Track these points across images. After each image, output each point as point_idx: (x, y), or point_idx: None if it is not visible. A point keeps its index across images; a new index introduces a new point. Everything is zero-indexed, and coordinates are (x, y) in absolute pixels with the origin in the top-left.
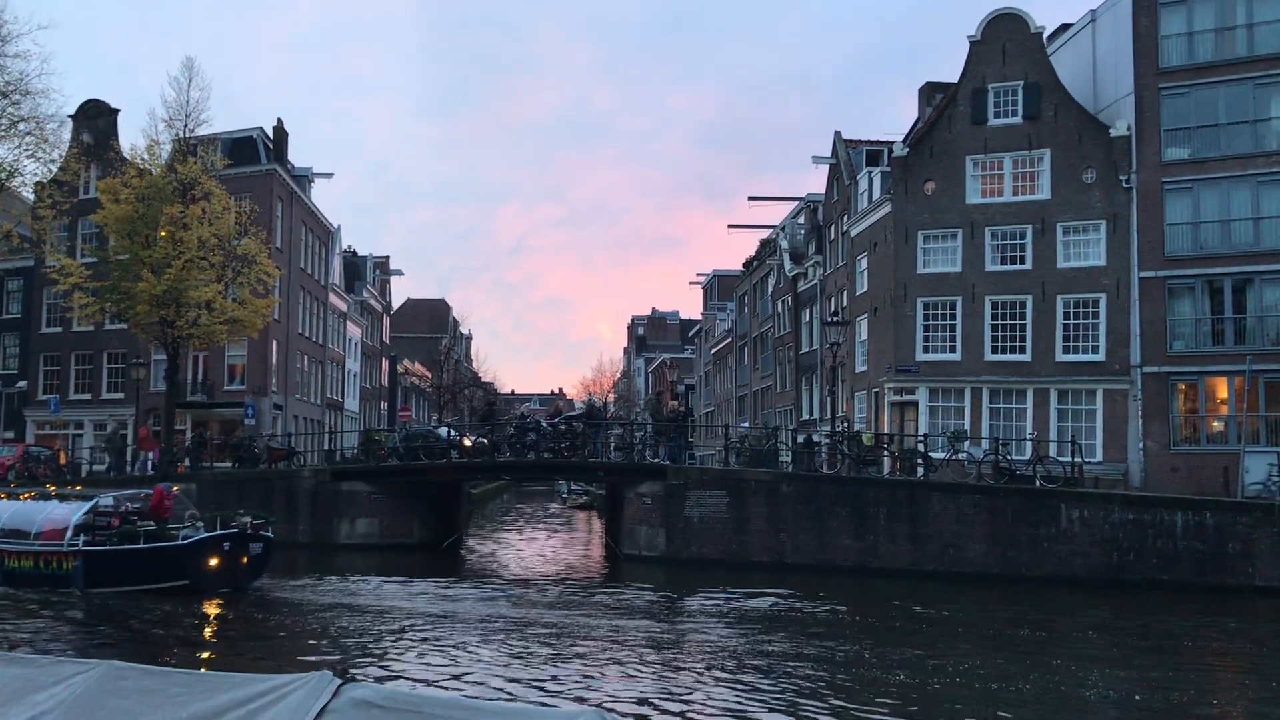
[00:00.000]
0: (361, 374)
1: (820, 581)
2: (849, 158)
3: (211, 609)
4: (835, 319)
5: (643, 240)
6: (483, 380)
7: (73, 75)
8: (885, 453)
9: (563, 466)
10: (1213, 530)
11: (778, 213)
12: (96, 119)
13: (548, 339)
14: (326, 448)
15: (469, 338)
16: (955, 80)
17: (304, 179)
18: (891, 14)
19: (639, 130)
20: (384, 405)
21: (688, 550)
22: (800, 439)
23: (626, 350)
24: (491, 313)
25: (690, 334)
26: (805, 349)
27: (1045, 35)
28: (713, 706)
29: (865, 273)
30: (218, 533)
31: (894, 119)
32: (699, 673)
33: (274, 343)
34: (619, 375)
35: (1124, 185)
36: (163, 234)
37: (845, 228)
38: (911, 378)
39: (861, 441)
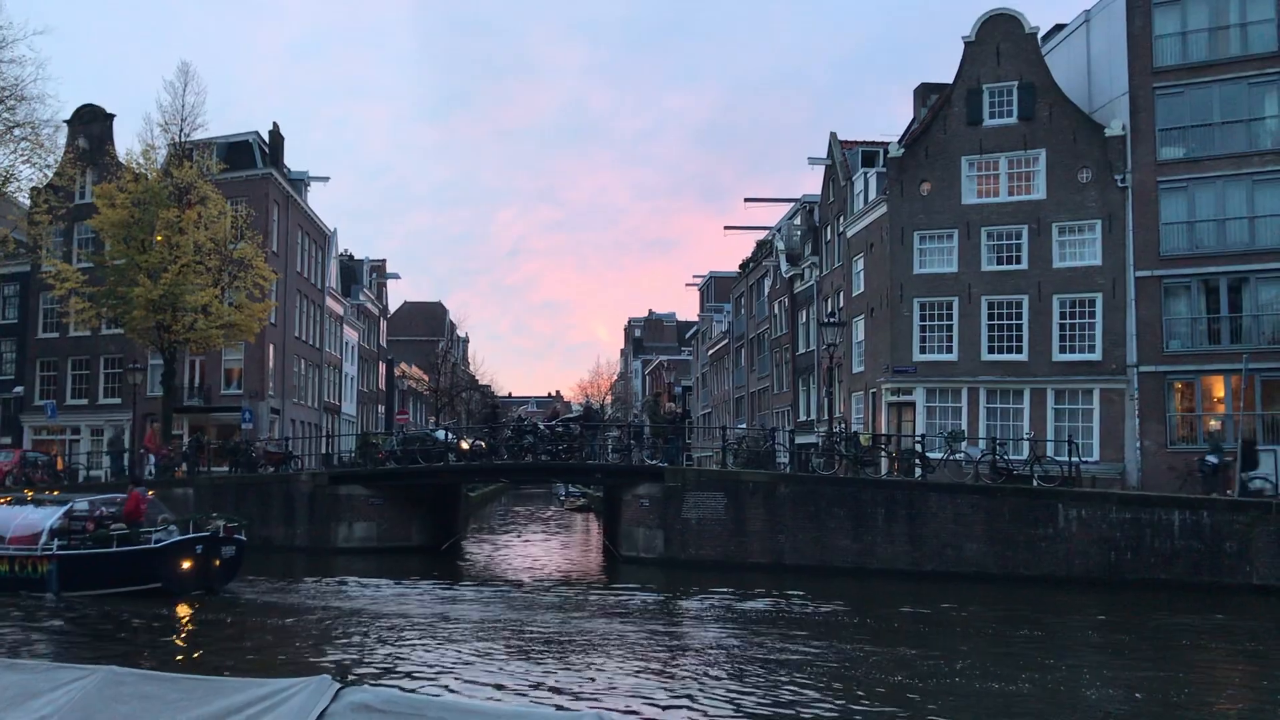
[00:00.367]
0: (359, 377)
1: (818, 582)
2: (845, 159)
3: (186, 611)
4: (832, 320)
5: (639, 242)
6: (480, 383)
7: (68, 80)
8: (883, 453)
9: (560, 469)
10: (1210, 529)
11: (774, 214)
12: (92, 124)
13: (545, 341)
14: (324, 451)
15: (466, 341)
16: (950, 81)
17: (300, 183)
18: (886, 16)
19: (635, 132)
20: (381, 409)
21: (686, 552)
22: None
23: (623, 352)
24: (489, 316)
25: (687, 336)
26: (802, 350)
27: (1040, 35)
28: (712, 707)
29: (861, 273)
30: (190, 536)
31: (889, 120)
32: (698, 674)
33: (271, 347)
34: (616, 377)
35: (1119, 185)
36: (159, 238)
37: (841, 229)
38: (908, 378)
39: (859, 442)
